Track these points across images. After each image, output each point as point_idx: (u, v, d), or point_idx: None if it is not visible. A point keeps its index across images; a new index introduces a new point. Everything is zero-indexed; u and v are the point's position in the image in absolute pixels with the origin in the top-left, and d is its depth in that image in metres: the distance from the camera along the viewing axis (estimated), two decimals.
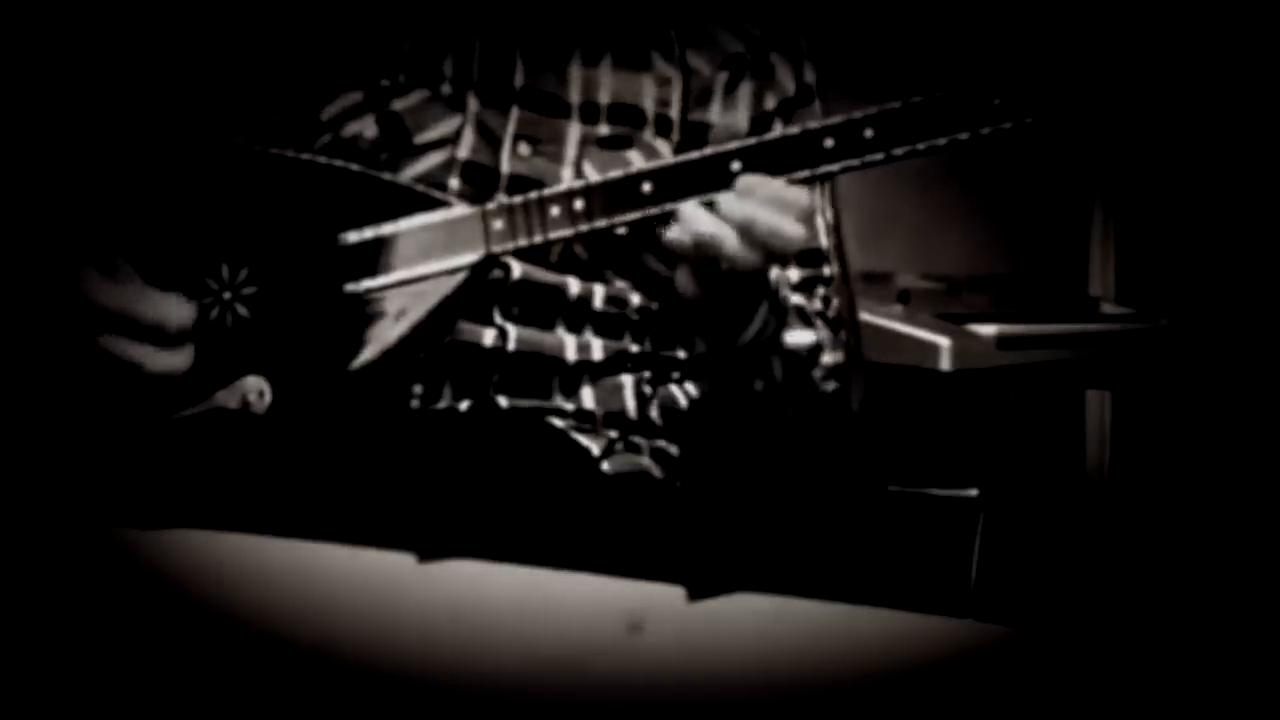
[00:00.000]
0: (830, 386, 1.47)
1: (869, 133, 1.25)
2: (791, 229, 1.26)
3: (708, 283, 1.30)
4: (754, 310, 1.35)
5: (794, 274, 1.51)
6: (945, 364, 2.26)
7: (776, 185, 1.26)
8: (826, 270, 1.53)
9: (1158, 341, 2.69)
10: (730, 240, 1.26)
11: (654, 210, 1.28)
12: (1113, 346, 2.66)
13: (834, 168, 1.27)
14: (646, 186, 1.27)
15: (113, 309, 1.27)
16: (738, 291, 1.32)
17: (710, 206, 1.26)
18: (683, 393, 1.49)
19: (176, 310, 1.28)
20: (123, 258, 1.29)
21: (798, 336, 1.40)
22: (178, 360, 1.28)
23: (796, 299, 1.45)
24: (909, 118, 1.25)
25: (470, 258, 1.30)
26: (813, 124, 1.28)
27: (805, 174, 1.27)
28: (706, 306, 1.34)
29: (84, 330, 1.27)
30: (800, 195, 1.27)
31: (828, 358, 1.46)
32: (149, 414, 1.28)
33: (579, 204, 1.28)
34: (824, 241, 1.53)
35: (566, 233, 1.29)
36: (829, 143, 1.26)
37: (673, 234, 1.28)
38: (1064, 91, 1.24)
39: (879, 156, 1.26)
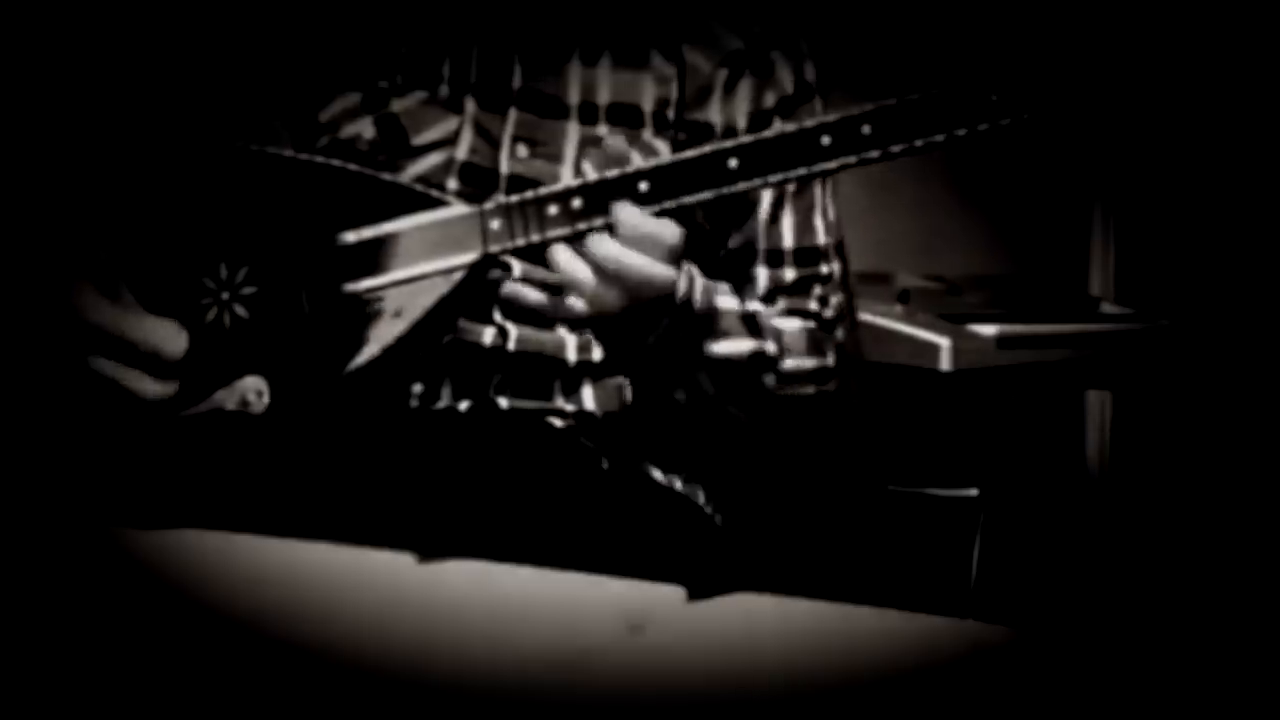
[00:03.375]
0: (804, 389, 1.45)
1: (867, 130, 1.25)
2: (659, 271, 1.26)
3: (576, 317, 1.29)
4: (654, 322, 1.32)
5: (789, 273, 1.50)
6: (945, 364, 2.26)
7: (648, 221, 1.25)
8: (824, 269, 1.52)
9: (1158, 341, 2.69)
10: (590, 282, 1.25)
11: (652, 209, 1.28)
12: (1113, 346, 2.66)
13: (831, 165, 1.26)
14: (644, 185, 1.27)
15: (108, 330, 1.27)
16: (634, 306, 1.29)
17: (579, 244, 1.26)
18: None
19: (171, 339, 1.28)
20: (122, 280, 1.29)
21: (728, 345, 1.38)
22: (167, 388, 1.28)
23: (754, 305, 1.44)
24: (907, 114, 1.25)
25: (468, 257, 1.29)
26: (810, 121, 1.27)
27: (803, 171, 1.27)
28: (595, 324, 1.34)
29: (78, 348, 1.27)
30: (672, 231, 1.26)
31: (794, 361, 1.44)
32: (138, 429, 1.28)
33: (576, 203, 1.28)
34: (822, 240, 1.53)
35: (564, 232, 1.28)
36: (826, 140, 1.26)
37: (526, 287, 1.28)
38: (1062, 88, 1.23)
39: (876, 154, 1.26)
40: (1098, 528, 3.00)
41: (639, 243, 1.25)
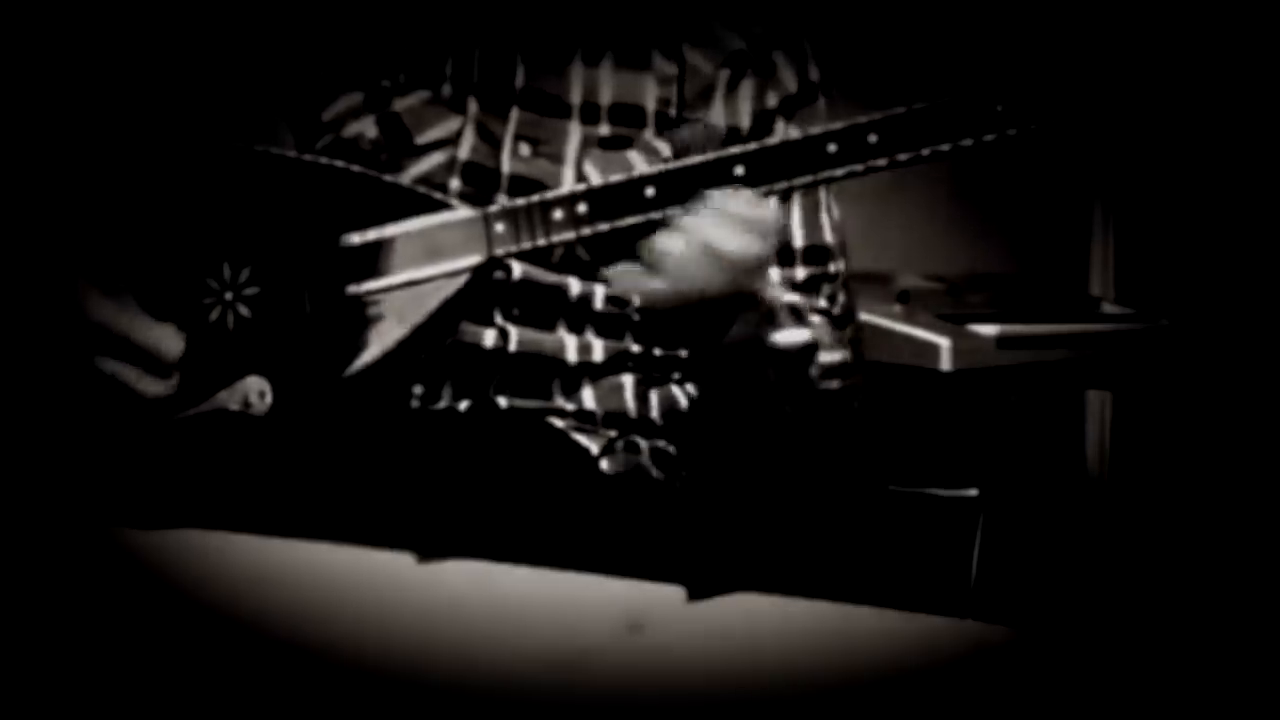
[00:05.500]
0: (833, 384, 1.46)
1: (873, 138, 1.26)
2: (756, 247, 1.27)
3: (683, 302, 1.31)
4: (735, 313, 1.35)
5: (800, 272, 1.50)
6: (945, 364, 2.26)
7: (743, 201, 1.26)
8: (832, 267, 1.52)
9: (1158, 341, 2.69)
10: (695, 263, 1.26)
11: (656, 214, 1.28)
12: (1113, 346, 2.66)
13: (837, 173, 1.27)
14: (649, 190, 1.27)
15: (110, 329, 1.27)
16: (730, 286, 1.31)
17: (676, 227, 1.27)
18: (683, 393, 1.49)
19: (169, 340, 1.29)
20: (123, 281, 1.30)
21: (789, 335, 1.39)
22: (167, 388, 1.29)
23: (793, 297, 1.45)
24: (913, 123, 1.25)
25: (472, 260, 1.30)
26: (816, 129, 1.28)
27: (809, 178, 1.27)
28: (685, 315, 1.35)
29: (82, 346, 1.27)
30: (765, 211, 1.27)
31: (826, 356, 1.45)
32: (139, 429, 1.29)
33: (581, 207, 1.28)
34: (830, 239, 1.53)
35: (569, 236, 1.29)
36: (832, 148, 1.26)
37: (628, 274, 1.29)
38: (1067, 98, 1.24)
39: (882, 162, 1.26)
40: (1098, 528, 3.00)
41: (732, 222, 1.26)
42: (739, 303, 1.34)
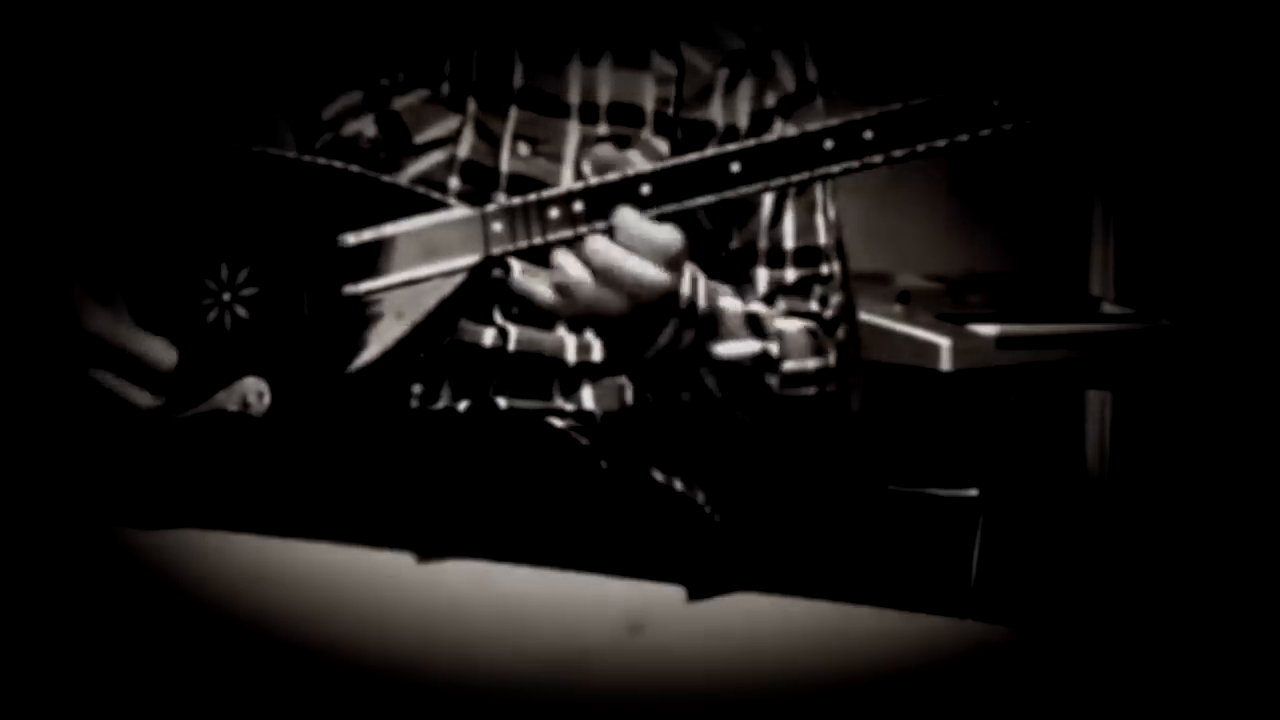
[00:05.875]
0: (808, 391, 1.45)
1: (868, 134, 1.25)
2: (653, 275, 1.25)
3: (579, 319, 1.29)
4: (659, 326, 1.32)
5: (790, 274, 1.50)
6: (945, 364, 2.26)
7: (645, 226, 1.25)
8: (825, 269, 1.52)
9: (1158, 341, 2.69)
10: (588, 286, 1.25)
11: (653, 212, 1.28)
12: (1113, 346, 2.66)
13: (834, 169, 1.26)
14: (645, 189, 1.27)
15: (105, 340, 1.27)
16: (633, 309, 1.28)
17: (579, 247, 1.25)
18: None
19: (161, 354, 1.28)
20: (119, 287, 1.30)
21: (732, 347, 1.37)
22: (158, 400, 1.29)
23: (755, 306, 1.44)
24: (909, 120, 1.25)
25: (469, 260, 1.29)
26: (812, 126, 1.27)
27: (805, 175, 1.27)
28: (600, 326, 1.33)
29: (77, 357, 1.27)
30: (670, 237, 1.26)
31: (795, 363, 1.43)
32: (134, 436, 1.28)
33: (578, 206, 1.28)
34: (822, 239, 1.53)
35: (566, 235, 1.29)
36: (828, 144, 1.26)
37: (534, 280, 1.27)
38: (1063, 93, 1.23)
39: (878, 159, 1.26)
40: (1098, 528, 3.00)
41: (636, 246, 1.25)
42: (658, 312, 1.31)
